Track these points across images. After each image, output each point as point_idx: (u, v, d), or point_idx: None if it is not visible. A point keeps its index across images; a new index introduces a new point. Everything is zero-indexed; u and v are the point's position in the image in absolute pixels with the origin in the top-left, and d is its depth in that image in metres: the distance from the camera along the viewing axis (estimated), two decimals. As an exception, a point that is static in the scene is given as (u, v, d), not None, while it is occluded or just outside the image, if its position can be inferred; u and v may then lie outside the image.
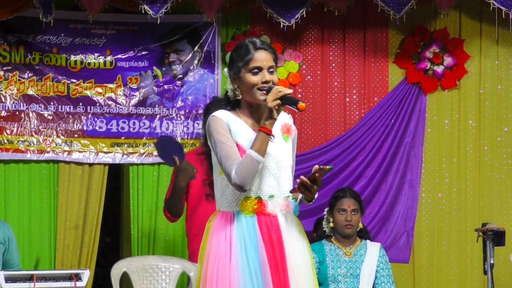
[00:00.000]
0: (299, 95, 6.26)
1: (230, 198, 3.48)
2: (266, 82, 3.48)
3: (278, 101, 3.39)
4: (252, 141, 3.42)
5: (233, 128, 3.48)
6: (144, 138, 6.15)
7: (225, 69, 3.59)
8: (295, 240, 3.48)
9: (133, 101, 6.16)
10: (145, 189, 6.14)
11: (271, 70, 3.51)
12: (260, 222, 3.43)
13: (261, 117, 3.47)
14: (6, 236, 5.46)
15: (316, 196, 3.51)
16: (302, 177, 3.42)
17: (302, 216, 5.94)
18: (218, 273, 3.40)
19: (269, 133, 3.40)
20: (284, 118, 3.62)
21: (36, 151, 6.00)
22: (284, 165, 3.51)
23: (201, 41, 6.21)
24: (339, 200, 5.44)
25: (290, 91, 3.43)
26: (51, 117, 6.04)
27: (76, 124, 6.07)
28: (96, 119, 6.11)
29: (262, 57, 3.50)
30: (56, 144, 6.03)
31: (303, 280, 3.45)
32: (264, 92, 3.45)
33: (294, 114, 6.17)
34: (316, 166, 3.41)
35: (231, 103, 3.57)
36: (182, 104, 6.20)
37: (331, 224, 5.44)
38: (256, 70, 3.50)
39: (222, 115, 3.51)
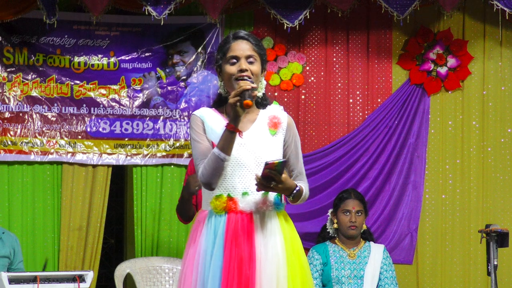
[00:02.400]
0: (303, 96, 6.26)
1: (206, 197, 3.44)
2: (242, 70, 3.37)
3: (237, 98, 3.27)
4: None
5: (208, 125, 3.41)
6: (148, 139, 6.15)
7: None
8: (269, 236, 3.35)
9: (137, 103, 6.16)
10: (149, 191, 6.14)
11: (250, 60, 3.40)
12: (230, 220, 3.34)
13: (245, 113, 3.37)
14: (12, 249, 5.44)
15: (296, 191, 3.36)
16: (256, 174, 3.29)
17: (306, 217, 5.98)
18: (185, 274, 3.37)
19: (233, 131, 3.29)
20: (273, 111, 3.49)
21: (40, 153, 6.00)
22: (265, 160, 3.32)
23: (204, 43, 6.22)
24: (343, 201, 5.43)
25: (248, 87, 3.27)
26: (55, 119, 6.05)
27: (80, 126, 6.07)
28: (99, 121, 6.11)
29: (239, 47, 3.41)
30: (59, 146, 6.03)
31: (272, 278, 3.30)
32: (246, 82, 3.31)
33: (297, 114, 6.22)
34: (266, 161, 3.25)
35: (221, 100, 3.48)
36: (186, 105, 6.20)
37: (335, 225, 5.43)
38: (234, 60, 3.40)
39: (200, 112, 3.45)
